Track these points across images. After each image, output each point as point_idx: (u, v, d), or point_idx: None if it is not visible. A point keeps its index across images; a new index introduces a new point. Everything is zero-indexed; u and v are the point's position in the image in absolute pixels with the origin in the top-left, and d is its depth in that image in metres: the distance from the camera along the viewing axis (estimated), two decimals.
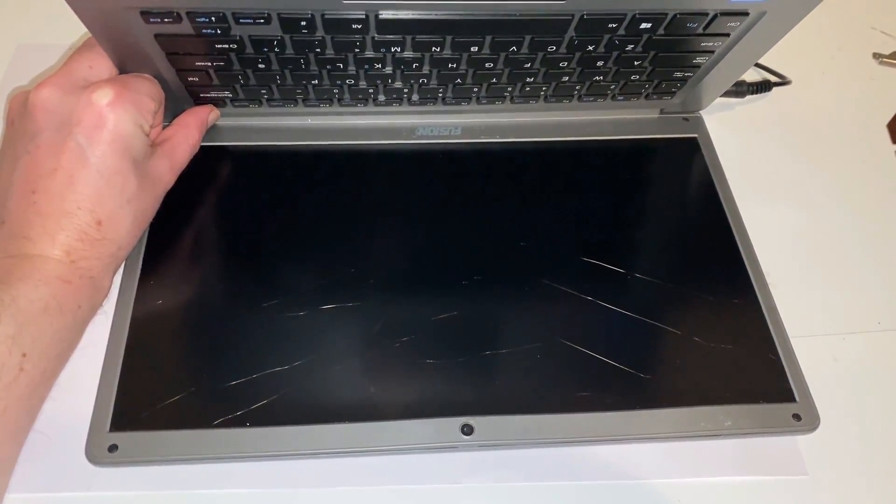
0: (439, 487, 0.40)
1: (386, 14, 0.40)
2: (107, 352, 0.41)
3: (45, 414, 0.39)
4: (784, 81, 0.59)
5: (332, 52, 0.43)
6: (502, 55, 0.45)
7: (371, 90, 0.48)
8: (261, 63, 0.44)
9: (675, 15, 0.42)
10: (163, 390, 0.40)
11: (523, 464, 0.41)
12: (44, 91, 0.39)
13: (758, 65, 0.59)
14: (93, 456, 0.38)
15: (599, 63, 0.46)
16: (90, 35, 0.41)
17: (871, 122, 0.59)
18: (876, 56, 0.63)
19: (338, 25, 0.41)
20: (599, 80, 0.49)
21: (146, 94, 0.42)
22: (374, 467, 0.40)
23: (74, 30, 0.50)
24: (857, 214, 0.53)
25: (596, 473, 0.41)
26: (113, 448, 0.38)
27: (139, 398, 0.40)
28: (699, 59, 0.47)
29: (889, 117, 0.59)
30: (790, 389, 0.42)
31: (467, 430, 0.40)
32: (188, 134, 0.47)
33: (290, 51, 0.43)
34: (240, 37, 0.42)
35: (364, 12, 0.40)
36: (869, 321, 0.48)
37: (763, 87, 0.58)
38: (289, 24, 0.41)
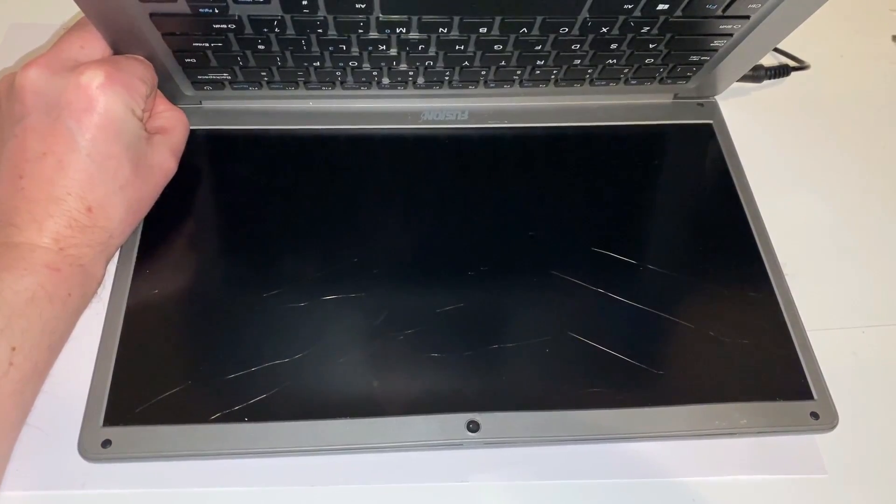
0: (444, 486, 0.39)
1: None
2: (100, 343, 0.40)
3: (38, 408, 0.38)
4: (802, 66, 0.57)
5: (335, 32, 0.42)
6: (512, 37, 0.43)
7: (375, 73, 0.47)
8: (260, 44, 0.43)
9: None
10: (158, 384, 0.39)
11: (531, 462, 0.40)
12: (31, 72, 0.38)
13: (775, 49, 0.57)
14: (85, 451, 0.37)
15: (613, 46, 0.45)
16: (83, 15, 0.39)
17: (891, 106, 0.57)
18: (895, 39, 0.62)
19: (340, 5, 0.39)
20: (612, 64, 0.47)
21: (138, 76, 0.40)
22: (377, 465, 0.39)
23: (69, 9, 0.48)
24: (876, 202, 0.52)
25: (607, 472, 0.39)
26: (106, 443, 0.37)
27: (134, 392, 0.39)
28: (717, 43, 0.46)
29: None
30: (807, 386, 0.41)
31: (473, 426, 0.39)
32: (180, 115, 0.45)
33: (290, 31, 0.42)
34: (238, 16, 0.40)
35: None
36: (890, 313, 0.46)
37: (781, 71, 0.56)
38: (289, 3, 0.39)
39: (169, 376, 0.39)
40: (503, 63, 0.46)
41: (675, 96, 0.53)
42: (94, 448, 0.37)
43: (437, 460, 0.39)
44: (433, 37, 0.43)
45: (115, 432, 0.37)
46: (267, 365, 0.40)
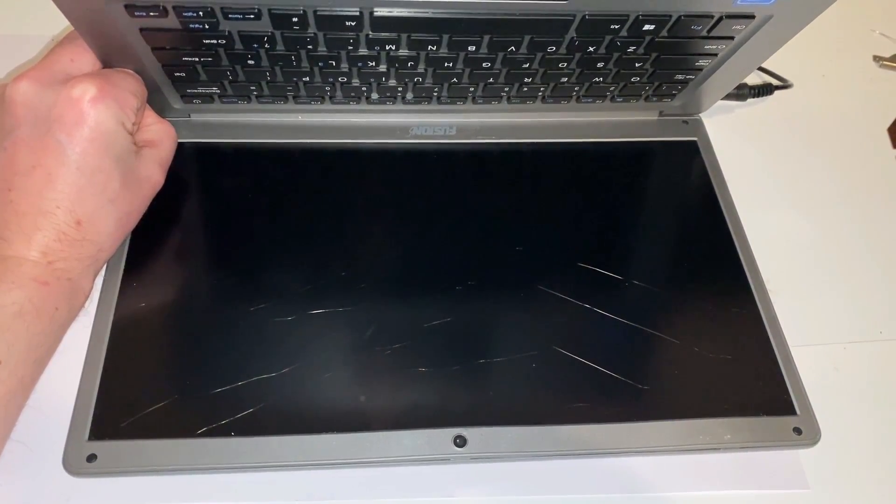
0: (431, 501, 0.39)
1: (381, 11, 0.39)
2: (86, 357, 0.40)
3: (22, 422, 0.38)
4: (785, 85, 0.58)
5: (325, 49, 0.42)
6: (500, 55, 0.44)
7: (364, 88, 0.47)
8: (250, 59, 0.43)
9: (680, 17, 0.41)
10: (145, 397, 0.39)
11: (518, 477, 0.40)
12: (22, 84, 0.38)
13: (759, 68, 0.58)
14: (70, 466, 0.37)
15: (600, 64, 0.45)
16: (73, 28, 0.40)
17: (871, 126, 0.58)
18: (876, 59, 0.63)
19: (331, 22, 0.39)
20: (599, 82, 0.48)
21: (129, 90, 0.40)
22: (364, 480, 0.39)
23: (58, 21, 0.49)
24: (858, 220, 0.52)
25: (592, 487, 0.40)
26: (92, 458, 0.37)
27: (120, 406, 0.39)
28: (702, 62, 0.46)
29: (890, 121, 0.58)
30: (790, 402, 0.42)
31: (460, 441, 0.39)
32: (168, 128, 0.45)
33: (280, 47, 0.42)
34: (228, 32, 0.40)
35: (358, 9, 0.39)
36: (870, 330, 0.47)
37: (765, 90, 0.57)
38: (280, 20, 0.39)
39: (155, 390, 0.39)
40: (491, 80, 0.47)
41: (661, 114, 0.54)
42: (79, 463, 0.37)
43: (424, 475, 0.39)
44: (422, 54, 0.43)
45: (100, 447, 0.37)
46: (254, 379, 0.40)
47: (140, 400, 0.39)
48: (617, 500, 0.40)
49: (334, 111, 0.50)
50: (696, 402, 0.41)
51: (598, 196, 0.49)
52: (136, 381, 0.40)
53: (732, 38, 0.43)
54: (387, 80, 0.46)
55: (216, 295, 0.43)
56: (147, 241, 0.44)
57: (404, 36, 0.41)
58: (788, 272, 0.49)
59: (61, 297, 0.38)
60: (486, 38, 0.42)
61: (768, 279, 0.46)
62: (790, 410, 0.41)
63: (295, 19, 0.39)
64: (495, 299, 0.44)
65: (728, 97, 0.55)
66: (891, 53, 0.63)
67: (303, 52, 0.42)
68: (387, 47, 0.42)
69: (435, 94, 0.48)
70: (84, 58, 0.41)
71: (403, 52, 0.43)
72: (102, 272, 0.43)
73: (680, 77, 0.48)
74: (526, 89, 0.48)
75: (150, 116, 0.45)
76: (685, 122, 0.54)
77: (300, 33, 0.40)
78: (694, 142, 0.53)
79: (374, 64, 0.44)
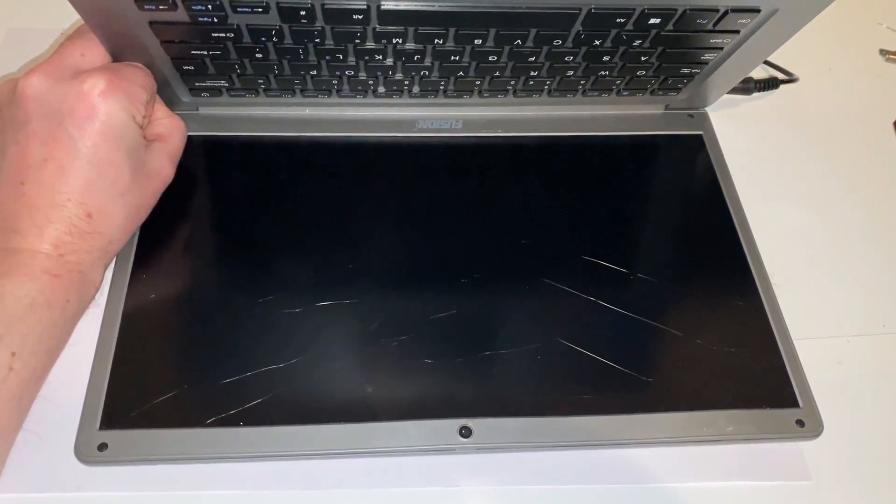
0: (436, 491, 0.39)
1: (388, 4, 0.39)
2: (97, 348, 0.40)
3: (34, 411, 0.38)
4: (791, 79, 0.58)
5: (332, 42, 0.42)
6: (506, 48, 0.44)
7: (371, 82, 0.47)
8: (258, 53, 0.43)
9: (685, 10, 0.41)
10: (154, 387, 0.39)
11: (522, 467, 0.40)
12: (33, 79, 0.38)
13: (765, 62, 0.58)
14: (82, 454, 0.37)
15: (605, 58, 0.46)
16: (83, 21, 0.40)
17: (877, 119, 0.58)
18: (882, 52, 0.63)
19: (338, 15, 0.40)
20: (605, 75, 0.48)
21: (139, 84, 0.41)
22: (370, 469, 0.39)
23: (68, 15, 0.49)
24: (863, 214, 0.52)
25: (596, 478, 0.40)
26: (103, 447, 0.38)
27: (130, 395, 0.39)
28: (707, 56, 0.46)
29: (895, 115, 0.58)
30: (793, 394, 0.42)
31: (465, 432, 0.39)
32: (178, 122, 0.46)
33: (288, 41, 0.42)
34: (237, 25, 0.41)
35: (365, 2, 0.39)
36: (874, 323, 0.47)
37: (770, 84, 0.57)
38: (288, 13, 0.39)
39: (165, 380, 0.40)
40: (497, 73, 0.47)
41: (666, 107, 0.54)
42: (91, 451, 0.37)
43: (430, 465, 0.40)
44: (429, 47, 0.43)
45: (111, 436, 0.38)
46: (262, 370, 0.40)
47: (150, 390, 0.39)
48: (620, 491, 0.40)
49: (341, 104, 0.50)
50: (699, 394, 0.41)
51: (602, 189, 0.50)
52: (146, 371, 0.40)
53: (738, 31, 0.43)
54: (393, 73, 0.46)
55: (224, 287, 0.44)
56: (156, 234, 0.45)
57: (411, 29, 0.41)
58: (792, 265, 0.49)
59: (72, 289, 0.39)
60: (493, 31, 0.42)
61: (772, 272, 0.47)
62: (793, 403, 0.42)
63: (303, 13, 0.39)
64: (500, 292, 0.44)
65: (734, 91, 0.55)
66: None
67: (310, 46, 0.43)
68: (394, 41, 0.42)
69: (441, 87, 0.48)
70: (94, 52, 0.41)
71: (410, 45, 0.43)
72: (112, 264, 0.43)
73: (685, 71, 0.48)
74: (532, 83, 0.48)
75: (160, 110, 0.45)
76: (691, 115, 0.54)
77: (308, 27, 0.41)
78: (699, 135, 0.53)
79: (380, 57, 0.44)
